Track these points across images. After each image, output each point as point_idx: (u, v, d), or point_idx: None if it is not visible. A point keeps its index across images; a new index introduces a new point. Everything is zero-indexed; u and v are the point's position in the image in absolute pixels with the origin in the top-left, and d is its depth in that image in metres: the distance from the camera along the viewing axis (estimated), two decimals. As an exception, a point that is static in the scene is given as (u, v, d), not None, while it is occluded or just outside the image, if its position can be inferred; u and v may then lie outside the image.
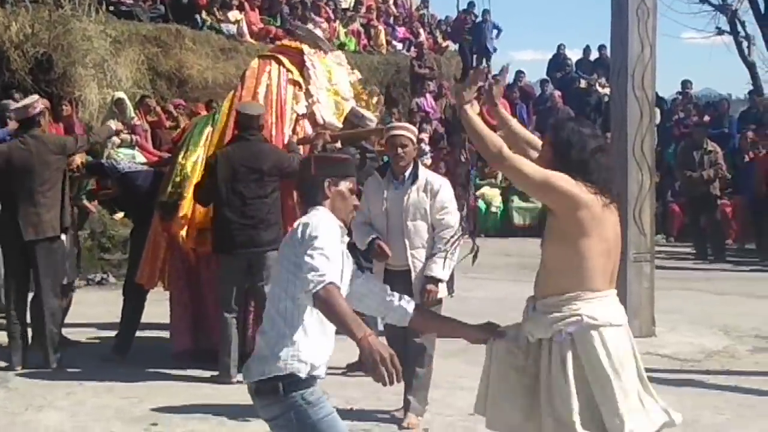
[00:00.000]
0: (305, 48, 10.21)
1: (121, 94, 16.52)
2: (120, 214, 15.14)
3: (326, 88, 10.08)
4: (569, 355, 4.72)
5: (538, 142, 5.30)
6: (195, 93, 19.30)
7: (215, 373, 8.94)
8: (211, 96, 19.04)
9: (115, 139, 16.03)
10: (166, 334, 10.22)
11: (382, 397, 8.14)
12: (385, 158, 9.23)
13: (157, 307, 10.66)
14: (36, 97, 10.24)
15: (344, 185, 4.75)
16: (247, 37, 21.26)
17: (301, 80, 9.93)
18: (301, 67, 10.05)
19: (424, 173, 7.81)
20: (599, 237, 4.79)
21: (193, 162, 9.47)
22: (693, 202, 18.51)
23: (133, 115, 16.63)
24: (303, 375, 4.41)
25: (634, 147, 10.69)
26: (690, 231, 19.04)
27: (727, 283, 14.99)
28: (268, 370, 4.43)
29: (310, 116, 9.79)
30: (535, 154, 5.15)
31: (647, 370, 9.34)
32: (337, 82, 10.28)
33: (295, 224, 4.60)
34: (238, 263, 8.90)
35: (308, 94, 9.86)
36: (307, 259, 4.36)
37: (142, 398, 8.40)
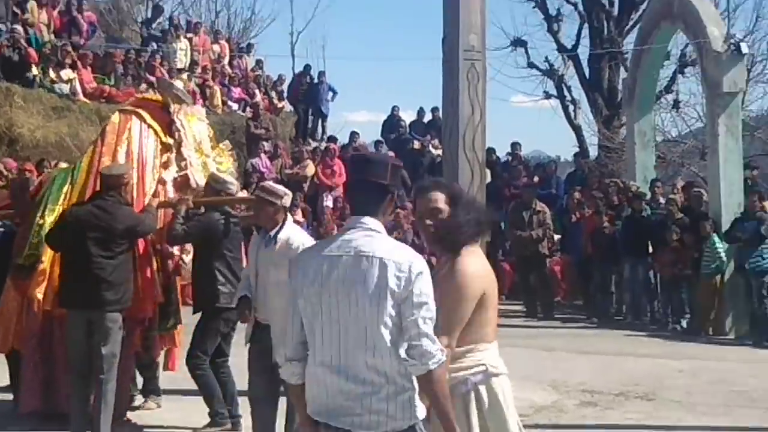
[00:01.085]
0: (171, 105, 10.04)
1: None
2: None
3: (194, 148, 9.99)
4: (473, 407, 4.88)
5: None
6: (26, 152, 18.97)
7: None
8: (43, 155, 18.74)
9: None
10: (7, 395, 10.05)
11: None
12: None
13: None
14: None
15: None
16: (80, 96, 21.04)
17: (167, 140, 9.82)
18: (166, 123, 9.91)
19: (286, 231, 8.03)
20: (493, 291, 5.06)
21: (51, 222, 9.30)
22: (523, 261, 18.94)
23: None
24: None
25: (465, 207, 10.91)
26: (520, 289, 19.44)
27: (555, 339, 15.37)
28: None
29: (184, 180, 9.71)
30: None
31: (478, 424, 9.58)
32: (201, 139, 10.20)
33: (403, 261, 4.27)
34: (79, 321, 8.78)
35: (180, 157, 9.76)
36: (421, 323, 4.22)
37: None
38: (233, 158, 10.98)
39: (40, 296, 9.14)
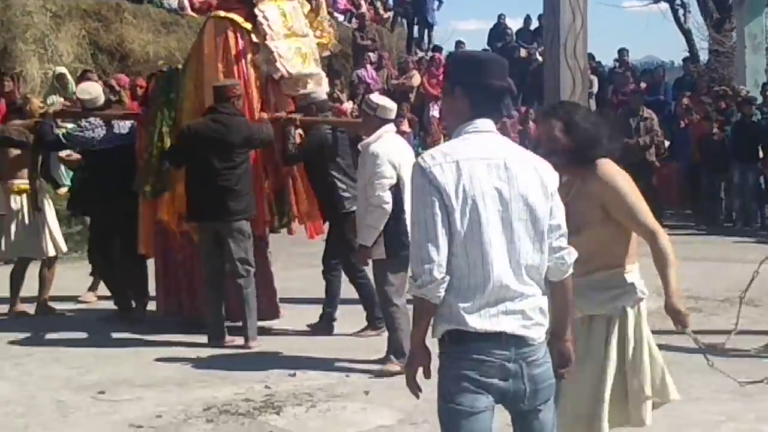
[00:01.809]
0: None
1: (62, 69, 16.55)
2: (63, 189, 15.18)
3: (284, 34, 9.83)
4: (615, 332, 5.03)
5: None
6: (137, 67, 19.30)
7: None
8: (153, 70, 18.98)
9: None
10: (107, 304, 10.51)
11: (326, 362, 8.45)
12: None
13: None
14: None
15: None
16: (188, 11, 21.27)
17: (254, 36, 9.79)
18: (254, 20, 9.82)
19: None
20: None
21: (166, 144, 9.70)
22: (630, 169, 18.64)
23: (74, 90, 16.65)
24: None
25: (567, 115, 10.92)
26: (627, 196, 19.31)
27: (662, 246, 15.29)
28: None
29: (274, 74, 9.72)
30: None
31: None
32: (293, 22, 9.99)
33: (536, 164, 4.15)
34: (209, 232, 9.23)
35: (267, 50, 9.69)
36: (562, 225, 4.17)
37: (90, 368, 8.56)
38: (333, 29, 10.85)
39: (165, 218, 9.56)
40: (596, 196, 5.03)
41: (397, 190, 8.18)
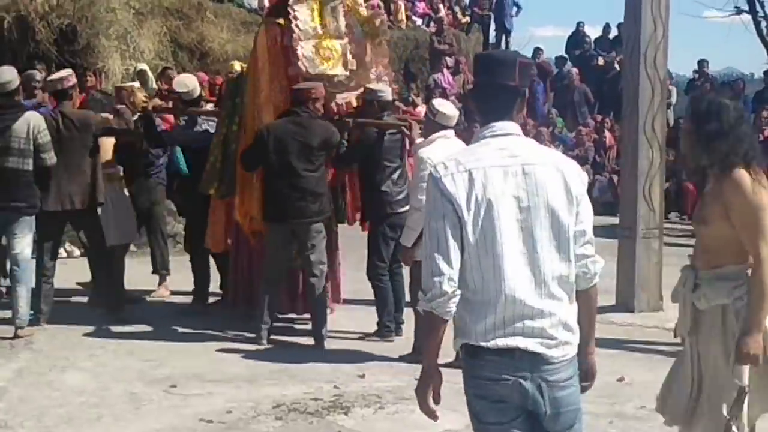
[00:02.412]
0: None
1: (143, 66, 16.74)
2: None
3: (314, 35, 9.73)
4: (736, 327, 4.96)
5: None
6: (216, 66, 19.44)
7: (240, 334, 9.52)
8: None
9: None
10: (185, 299, 10.62)
11: (393, 365, 8.49)
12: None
13: (176, 273, 11.02)
14: (69, 71, 10.53)
15: None
16: (268, 11, 21.44)
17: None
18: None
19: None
20: None
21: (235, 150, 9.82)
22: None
23: (155, 86, 16.86)
24: None
25: (645, 125, 10.88)
26: (703, 210, 19.15)
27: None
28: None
29: (297, 75, 9.67)
30: None
31: (653, 343, 9.70)
32: (327, 22, 9.85)
33: (562, 167, 3.95)
34: (284, 233, 9.32)
35: (291, 50, 9.65)
36: (588, 231, 3.98)
37: (162, 361, 8.68)
38: (381, 34, 10.44)
39: (239, 218, 9.68)
40: (721, 194, 5.03)
41: None
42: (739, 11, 28.25)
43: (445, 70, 23.43)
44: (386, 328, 9.49)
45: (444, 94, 22.24)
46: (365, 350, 9.10)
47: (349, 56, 9.84)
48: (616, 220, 11.72)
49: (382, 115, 9.62)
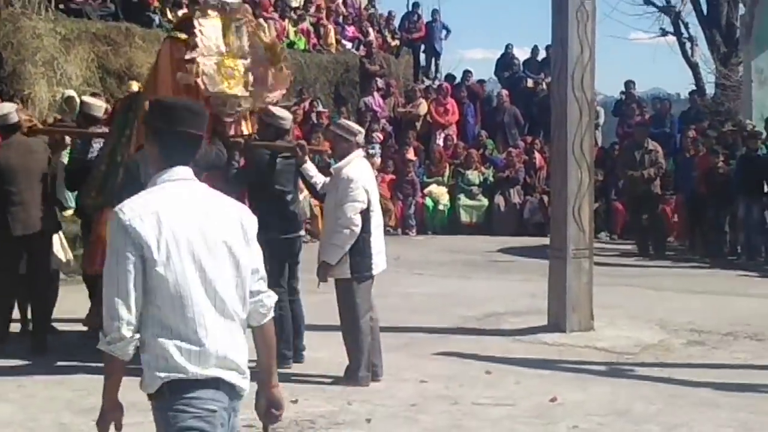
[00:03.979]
0: (196, 12, 9.72)
1: (71, 92, 16.59)
2: (69, 212, 15.22)
3: (215, 53, 9.56)
4: None
5: None
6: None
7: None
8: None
9: (67, 138, 16.16)
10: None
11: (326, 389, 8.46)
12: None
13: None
14: (13, 106, 10.59)
15: None
16: (197, 36, 21.35)
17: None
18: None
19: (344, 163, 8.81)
20: None
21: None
22: (635, 201, 18.84)
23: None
24: None
25: (573, 146, 10.97)
26: (632, 229, 19.40)
27: (665, 279, 15.34)
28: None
29: (194, 87, 9.39)
30: None
31: (584, 363, 9.78)
32: (230, 42, 9.69)
33: (236, 211, 4.19)
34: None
35: (192, 63, 9.44)
36: (261, 268, 4.20)
37: (92, 391, 8.52)
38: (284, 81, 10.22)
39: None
40: None
41: (365, 213, 8.59)
42: (664, 33, 28.81)
43: (375, 93, 23.52)
44: (283, 357, 9.36)
45: (375, 117, 22.35)
46: (298, 375, 9.04)
47: (251, 77, 9.69)
48: (546, 241, 11.79)
49: (283, 141, 9.60)
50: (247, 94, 9.70)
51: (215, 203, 4.12)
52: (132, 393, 8.00)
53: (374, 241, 8.74)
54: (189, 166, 4.11)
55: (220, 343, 3.97)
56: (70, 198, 14.95)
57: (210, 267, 3.97)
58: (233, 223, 4.10)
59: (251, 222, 4.17)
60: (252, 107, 9.80)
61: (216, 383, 3.98)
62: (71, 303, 11.19)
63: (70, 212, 15.19)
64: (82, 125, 10.80)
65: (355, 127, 9.11)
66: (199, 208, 4.03)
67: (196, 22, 9.53)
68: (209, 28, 9.61)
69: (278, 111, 9.77)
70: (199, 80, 9.36)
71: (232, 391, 4.06)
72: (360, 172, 8.65)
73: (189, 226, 3.96)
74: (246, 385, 4.10)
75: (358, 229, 8.50)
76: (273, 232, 9.22)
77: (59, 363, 9.50)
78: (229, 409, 4.06)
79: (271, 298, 4.22)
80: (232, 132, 9.68)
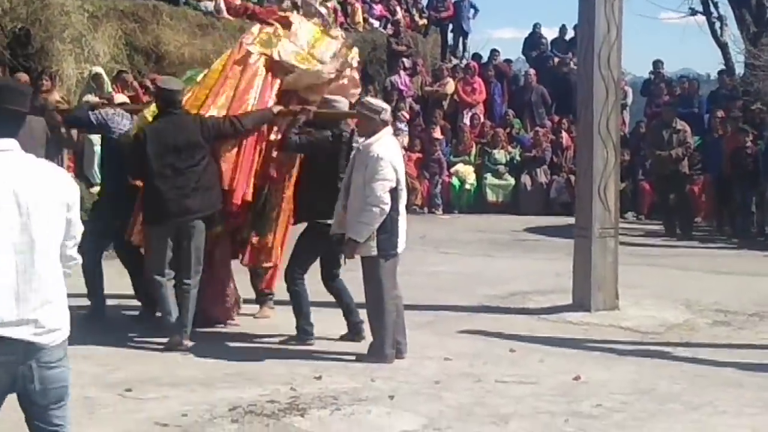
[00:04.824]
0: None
1: (98, 69, 16.68)
2: (97, 188, 15.29)
3: (299, 46, 9.97)
4: None
5: None
6: (172, 69, 19.33)
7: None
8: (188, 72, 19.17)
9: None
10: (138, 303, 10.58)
11: (349, 366, 8.49)
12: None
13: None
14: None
15: None
16: (225, 14, 21.36)
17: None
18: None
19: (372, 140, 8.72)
20: None
21: None
22: (662, 180, 18.75)
23: (110, 90, 16.76)
24: None
25: (599, 125, 10.93)
26: (659, 209, 19.32)
27: (692, 259, 15.29)
28: None
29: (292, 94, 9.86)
30: None
31: (609, 342, 9.78)
32: (315, 49, 10.08)
33: (56, 177, 4.53)
34: (167, 231, 9.31)
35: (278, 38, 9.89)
36: (75, 229, 4.60)
37: (118, 366, 8.62)
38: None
39: None
40: None
41: (394, 192, 8.53)
42: (693, 12, 28.53)
43: (402, 72, 23.49)
44: (305, 332, 9.43)
45: (401, 96, 22.34)
46: (321, 352, 9.08)
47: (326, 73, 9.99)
48: (572, 221, 11.76)
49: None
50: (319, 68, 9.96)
51: (35, 170, 4.43)
52: (155, 367, 8.08)
53: (401, 219, 8.74)
54: (15, 139, 4.44)
55: (21, 305, 4.31)
56: (98, 174, 15.05)
57: (25, 230, 4.30)
58: (51, 188, 4.41)
59: (71, 190, 4.52)
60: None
61: (1, 341, 4.30)
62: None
63: (97, 189, 15.28)
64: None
65: (380, 104, 9.01)
66: (17, 174, 4.34)
67: (297, 17, 9.95)
68: (305, 28, 10.08)
69: (335, 96, 9.85)
70: (275, 49, 9.76)
71: (31, 347, 4.36)
72: (388, 150, 8.60)
73: (3, 192, 4.28)
74: (48, 339, 4.40)
75: (387, 208, 8.45)
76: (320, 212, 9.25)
77: (86, 338, 9.56)
78: (27, 362, 4.37)
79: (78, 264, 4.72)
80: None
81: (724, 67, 26.66)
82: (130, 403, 7.55)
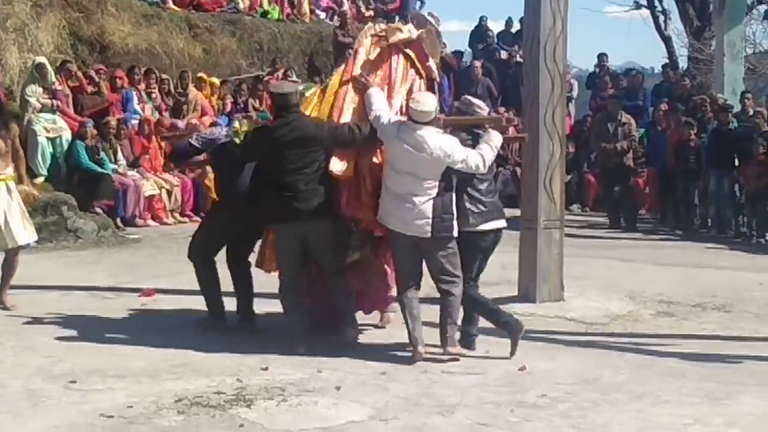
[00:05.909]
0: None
1: (42, 59, 16.56)
2: (40, 179, 15.18)
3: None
4: None
5: None
6: (117, 59, 19.30)
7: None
8: (133, 62, 19.10)
9: (36, 104, 16.10)
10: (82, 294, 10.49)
11: (296, 357, 8.53)
12: None
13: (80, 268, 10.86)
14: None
15: None
16: (170, 4, 21.27)
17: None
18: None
19: None
20: None
21: None
22: (607, 173, 18.89)
23: (54, 80, 16.66)
24: None
25: (545, 117, 11.00)
26: (604, 201, 19.47)
27: (636, 251, 15.44)
28: None
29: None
30: None
31: (554, 333, 9.84)
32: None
33: None
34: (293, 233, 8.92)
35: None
36: None
37: (62, 357, 8.55)
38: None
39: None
40: None
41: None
42: (638, 6, 28.87)
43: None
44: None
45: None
46: (268, 343, 9.05)
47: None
48: (518, 213, 11.83)
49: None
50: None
51: None
52: (101, 359, 8.01)
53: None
54: None
55: None
56: (42, 165, 14.96)
57: None
58: None
59: None
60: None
61: None
62: (41, 271, 11.21)
63: (41, 180, 15.18)
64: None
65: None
66: None
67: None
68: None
69: (475, 99, 9.63)
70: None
71: None
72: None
73: None
74: None
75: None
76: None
77: (29, 330, 9.49)
78: None
79: None
80: None
81: (668, 60, 26.95)
82: (75, 395, 7.48)
